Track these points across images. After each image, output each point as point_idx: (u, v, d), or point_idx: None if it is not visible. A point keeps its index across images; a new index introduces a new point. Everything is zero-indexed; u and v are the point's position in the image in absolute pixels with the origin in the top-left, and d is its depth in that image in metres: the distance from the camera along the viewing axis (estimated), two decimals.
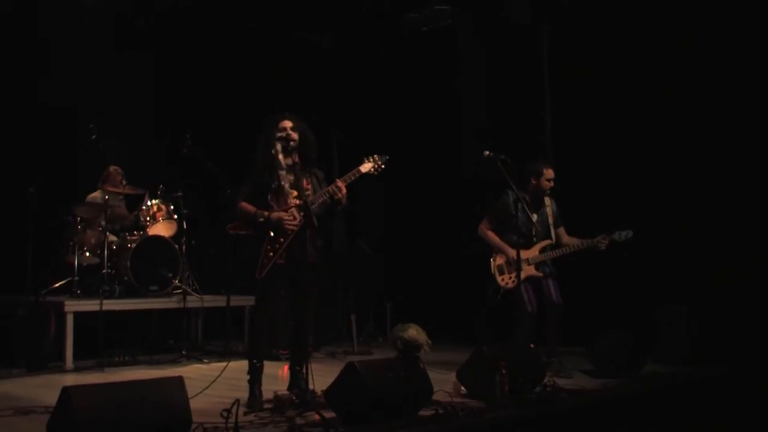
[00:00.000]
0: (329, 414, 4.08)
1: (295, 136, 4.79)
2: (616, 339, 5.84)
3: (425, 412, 4.26)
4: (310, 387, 4.45)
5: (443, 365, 5.84)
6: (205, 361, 6.70)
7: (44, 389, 5.19)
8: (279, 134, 4.78)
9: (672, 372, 5.87)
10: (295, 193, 4.74)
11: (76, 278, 6.81)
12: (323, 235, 4.93)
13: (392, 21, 8.63)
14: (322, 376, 4.64)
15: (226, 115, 8.23)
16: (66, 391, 3.36)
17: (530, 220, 5.96)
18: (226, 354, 6.50)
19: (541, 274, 5.99)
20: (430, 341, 6.79)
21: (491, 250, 6.14)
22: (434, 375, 4.63)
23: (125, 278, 6.94)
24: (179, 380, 3.68)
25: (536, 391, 4.86)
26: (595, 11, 7.52)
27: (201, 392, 4.62)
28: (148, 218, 7.30)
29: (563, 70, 7.85)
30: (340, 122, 9.68)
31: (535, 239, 6.05)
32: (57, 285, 6.83)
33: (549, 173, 6.06)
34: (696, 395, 5.42)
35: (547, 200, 6.16)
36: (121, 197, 7.49)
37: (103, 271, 6.84)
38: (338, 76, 9.54)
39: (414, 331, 6.68)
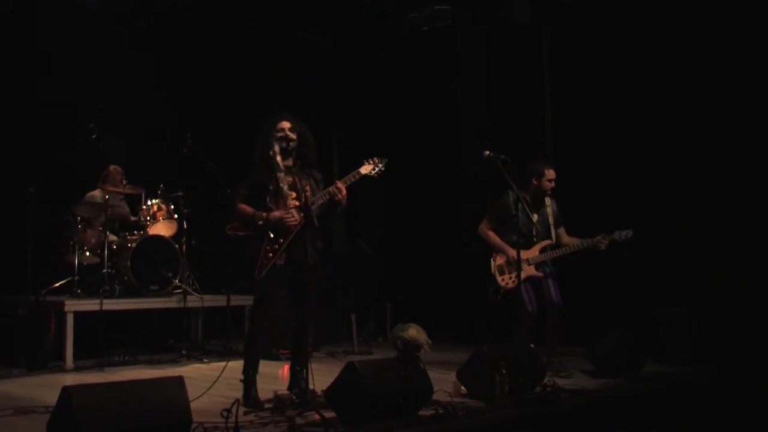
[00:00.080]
0: (329, 414, 4.08)
1: (293, 136, 4.77)
2: (616, 339, 5.85)
3: (425, 412, 4.26)
4: (310, 387, 4.45)
5: (443, 365, 5.84)
6: (205, 360, 6.71)
7: (44, 389, 5.19)
8: (277, 135, 4.76)
9: (672, 372, 5.87)
10: (294, 194, 4.74)
11: (76, 278, 6.81)
12: (322, 236, 4.93)
13: (392, 21, 8.63)
14: (322, 376, 4.63)
15: (227, 115, 8.23)
16: (66, 391, 3.36)
17: (531, 220, 5.96)
18: (226, 354, 6.49)
19: (541, 274, 5.99)
20: (430, 341, 6.78)
21: (491, 250, 6.14)
22: (434, 375, 4.63)
23: (125, 278, 6.94)
24: (179, 380, 3.67)
25: (536, 391, 4.86)
26: (595, 11, 7.52)
27: (203, 394, 4.61)
28: (148, 218, 7.30)
29: (563, 70, 7.85)
30: (340, 122, 9.69)
31: (535, 239, 6.05)
32: (57, 284, 6.83)
33: (550, 174, 6.06)
34: (696, 395, 5.42)
35: (548, 200, 6.16)
36: (121, 197, 7.50)
37: (104, 270, 6.84)
38: (338, 76, 9.54)
39: (414, 331, 6.68)
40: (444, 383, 4.90)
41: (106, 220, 7.01)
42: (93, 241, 7.03)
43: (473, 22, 8.49)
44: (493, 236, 6.12)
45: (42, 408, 4.38)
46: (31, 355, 6.18)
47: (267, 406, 4.50)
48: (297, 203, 4.72)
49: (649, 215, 6.82)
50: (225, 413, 3.65)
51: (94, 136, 6.96)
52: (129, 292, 7.01)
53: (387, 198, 9.23)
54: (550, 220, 6.12)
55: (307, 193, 4.71)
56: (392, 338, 6.84)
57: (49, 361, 6.26)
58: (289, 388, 4.78)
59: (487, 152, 5.57)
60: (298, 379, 4.75)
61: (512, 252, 5.85)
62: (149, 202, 7.35)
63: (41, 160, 7.18)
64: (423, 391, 4.35)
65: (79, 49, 7.46)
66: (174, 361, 6.72)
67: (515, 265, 5.67)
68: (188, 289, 7.13)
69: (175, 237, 7.32)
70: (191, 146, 6.33)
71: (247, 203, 4.72)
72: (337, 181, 4.75)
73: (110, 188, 7.26)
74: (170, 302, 7.04)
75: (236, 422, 3.67)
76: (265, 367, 4.91)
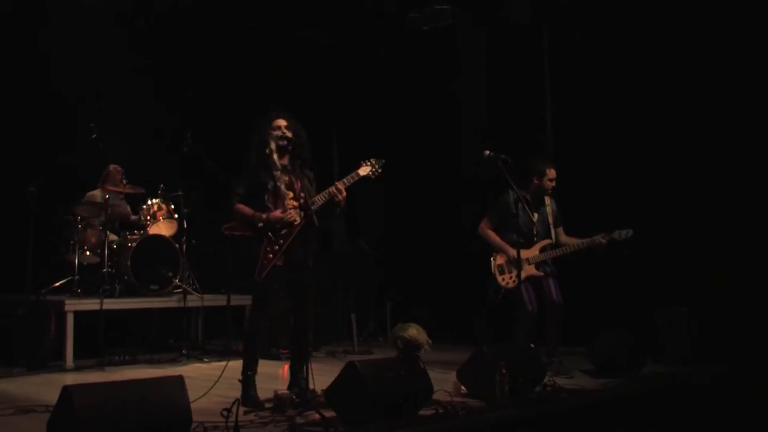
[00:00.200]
0: (329, 413, 4.08)
1: (290, 134, 4.76)
2: (616, 339, 5.84)
3: (425, 412, 4.26)
4: (311, 386, 4.45)
5: (443, 365, 5.84)
6: (205, 360, 6.71)
7: (44, 388, 5.19)
8: (274, 133, 4.74)
9: (672, 372, 5.87)
10: (291, 194, 4.73)
11: (77, 277, 6.81)
12: (319, 237, 4.92)
13: (392, 21, 8.63)
14: (322, 376, 4.63)
15: (227, 115, 8.23)
16: (66, 390, 3.36)
17: (531, 219, 5.96)
18: (226, 353, 6.49)
19: (541, 274, 5.99)
20: (430, 341, 6.78)
21: (491, 250, 6.13)
22: (434, 374, 4.63)
23: (125, 277, 6.95)
24: (179, 379, 3.67)
25: (536, 390, 4.86)
26: (595, 11, 7.52)
27: (205, 394, 4.61)
28: (148, 217, 7.31)
29: (563, 69, 7.85)
30: (340, 122, 9.69)
31: (536, 238, 6.05)
32: (57, 284, 6.83)
33: (551, 173, 6.06)
34: (696, 395, 5.42)
35: (548, 199, 6.16)
36: (121, 196, 7.50)
37: (104, 270, 6.84)
38: (338, 76, 9.54)
39: (414, 331, 6.68)
40: (444, 383, 4.90)
41: (106, 219, 7.01)
42: (93, 240, 7.03)
43: (473, 22, 8.49)
44: (493, 236, 6.12)
45: (42, 407, 4.38)
46: (31, 354, 6.18)
47: (267, 405, 4.50)
48: (294, 203, 4.71)
49: (649, 215, 6.82)
50: (225, 413, 3.65)
51: (94, 136, 6.96)
52: (129, 292, 7.01)
53: (387, 198, 9.24)
54: (550, 220, 6.13)
55: (302, 193, 4.71)
56: (392, 338, 6.84)
57: (49, 360, 6.26)
58: (290, 387, 4.78)
59: (488, 152, 5.58)
60: (298, 378, 4.75)
61: (512, 251, 5.85)
62: (149, 202, 7.35)
63: (41, 159, 7.18)
64: (423, 390, 4.35)
65: (79, 49, 7.46)
66: (174, 361, 6.72)
67: (515, 264, 5.67)
68: (188, 289, 7.13)
69: (176, 237, 7.32)
70: (191, 146, 6.35)
71: (244, 203, 4.70)
72: (337, 182, 4.75)
73: (110, 188, 7.27)
74: (170, 302, 7.04)
75: (236, 422, 3.67)
76: (265, 366, 4.91)
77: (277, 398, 4.63)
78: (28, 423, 4.23)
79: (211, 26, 8.42)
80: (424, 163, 8.76)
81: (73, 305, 6.39)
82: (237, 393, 4.49)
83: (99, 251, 6.97)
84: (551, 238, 6.09)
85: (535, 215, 6.04)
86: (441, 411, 4.24)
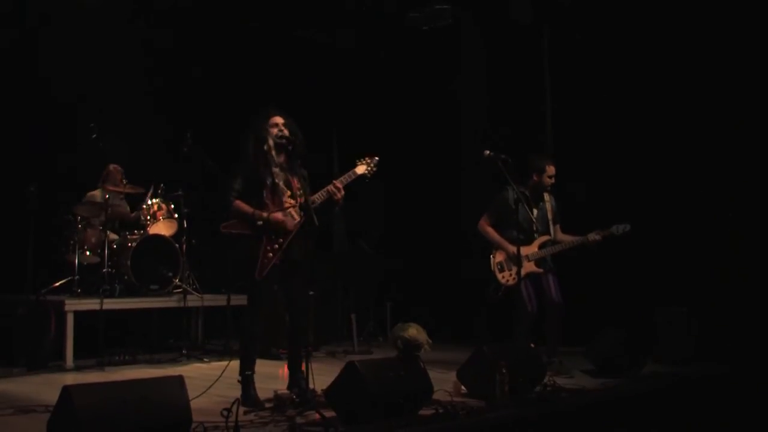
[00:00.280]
0: (329, 413, 4.08)
1: (287, 132, 4.76)
2: (616, 338, 5.85)
3: (425, 412, 4.26)
4: (311, 386, 4.45)
5: (443, 365, 5.84)
6: (205, 360, 6.71)
7: (44, 388, 5.19)
8: (272, 130, 4.74)
9: (672, 372, 5.87)
10: (288, 192, 4.73)
11: (77, 277, 6.81)
12: (316, 236, 4.92)
13: (393, 20, 8.63)
14: (322, 376, 4.64)
15: (227, 115, 8.23)
16: (66, 390, 3.36)
17: (530, 215, 5.95)
18: (226, 353, 6.50)
19: (541, 270, 5.98)
20: (430, 341, 6.78)
21: (491, 247, 6.12)
22: (434, 374, 4.63)
23: (125, 277, 6.95)
24: (179, 379, 3.67)
25: (536, 390, 4.86)
26: (595, 10, 7.52)
27: (204, 392, 4.61)
28: (148, 217, 7.30)
29: (564, 69, 7.85)
30: (340, 122, 9.69)
31: (536, 235, 6.05)
32: (57, 284, 6.83)
33: (551, 170, 6.07)
34: (696, 395, 5.42)
35: (546, 196, 6.16)
36: (121, 196, 7.50)
37: (104, 270, 6.84)
38: (338, 76, 9.54)
39: (414, 331, 6.68)
40: (444, 383, 4.90)
41: (106, 219, 7.01)
42: (93, 240, 7.03)
43: (474, 22, 8.49)
44: (492, 233, 6.11)
45: (42, 407, 4.38)
46: (31, 354, 6.18)
47: (267, 405, 4.50)
48: (291, 201, 4.72)
49: (650, 215, 6.81)
50: (225, 413, 3.65)
51: (94, 136, 6.96)
52: (129, 292, 7.01)
53: (387, 198, 9.24)
54: (549, 216, 6.13)
55: (299, 191, 4.71)
56: (392, 338, 6.84)
57: (49, 360, 6.26)
58: (289, 387, 4.78)
59: (488, 152, 5.58)
60: (296, 378, 4.75)
61: (512, 248, 5.84)
62: (149, 202, 7.35)
63: (41, 159, 7.18)
64: (423, 390, 4.35)
65: (80, 49, 7.46)
66: (174, 361, 6.72)
67: (515, 261, 5.66)
68: (188, 289, 7.13)
69: (176, 236, 7.32)
70: (192, 145, 6.35)
71: (240, 198, 4.67)
72: (335, 181, 4.76)
73: (110, 188, 7.27)
74: (170, 302, 7.04)
75: (236, 421, 3.67)
76: (265, 366, 4.91)
77: (277, 398, 4.63)
78: (28, 423, 4.23)
79: (211, 26, 8.42)
80: (424, 163, 8.76)
81: (73, 305, 6.39)
82: (237, 393, 4.49)
83: (99, 251, 6.97)
84: (550, 234, 6.09)
85: (535, 211, 6.04)
86: (441, 411, 4.24)
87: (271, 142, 4.73)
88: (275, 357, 6.67)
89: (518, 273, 5.62)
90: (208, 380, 4.90)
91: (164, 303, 7.06)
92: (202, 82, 8.36)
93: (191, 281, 7.30)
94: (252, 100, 8.30)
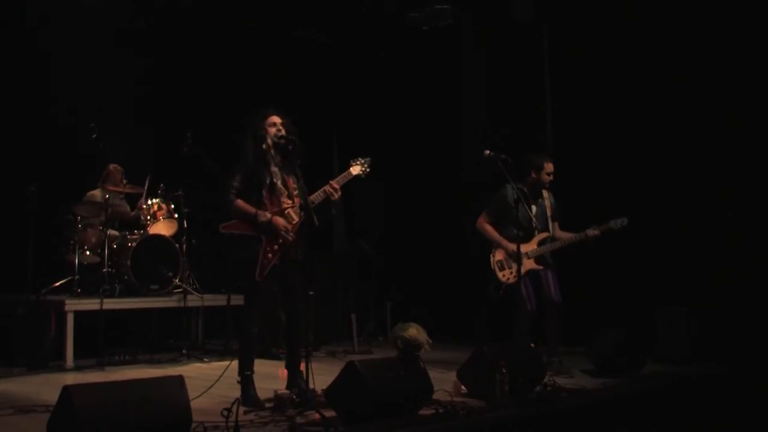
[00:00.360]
0: (330, 413, 4.08)
1: (284, 132, 4.76)
2: (616, 338, 5.84)
3: (425, 412, 4.26)
4: (311, 386, 4.45)
5: (443, 364, 5.84)
6: (205, 360, 6.71)
7: (45, 388, 5.20)
8: (270, 129, 4.74)
9: (672, 372, 5.87)
10: (286, 192, 4.74)
11: (77, 277, 6.81)
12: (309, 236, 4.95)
13: (393, 20, 8.63)
14: (322, 375, 4.64)
15: (227, 115, 8.22)
16: (67, 390, 3.36)
17: (530, 213, 5.95)
18: (226, 353, 6.50)
19: (541, 267, 5.97)
20: (430, 340, 6.78)
21: (491, 246, 6.11)
22: (434, 374, 4.64)
23: (126, 277, 6.95)
24: (179, 379, 3.68)
25: (536, 390, 4.86)
26: (595, 10, 7.51)
27: (204, 392, 4.61)
28: (148, 217, 7.31)
29: (564, 69, 7.85)
30: (340, 122, 9.69)
31: (536, 232, 6.04)
32: (57, 284, 6.83)
33: (549, 167, 6.07)
34: (696, 395, 5.42)
35: (545, 193, 6.17)
36: (121, 196, 7.51)
37: (104, 270, 6.84)
38: (338, 76, 9.54)
39: (414, 331, 6.68)
40: (444, 383, 4.90)
41: (106, 219, 7.02)
42: (93, 240, 7.03)
43: (474, 22, 8.48)
44: (491, 231, 6.10)
45: (42, 407, 4.39)
46: (31, 354, 6.18)
47: (267, 405, 4.50)
48: (289, 202, 4.73)
49: (650, 214, 6.82)
50: (225, 412, 3.65)
51: (94, 136, 6.96)
52: (129, 292, 7.01)
53: (387, 198, 9.23)
54: (548, 213, 6.13)
55: (296, 192, 4.73)
56: (392, 338, 6.84)
57: (49, 360, 6.27)
58: (288, 387, 4.77)
59: (488, 152, 5.58)
60: (294, 377, 4.75)
61: (511, 246, 5.84)
62: (149, 201, 7.35)
63: (41, 159, 7.18)
64: (423, 390, 4.35)
65: (80, 48, 7.46)
66: (174, 361, 6.72)
67: (515, 259, 5.66)
68: (188, 289, 7.14)
69: (176, 236, 7.32)
70: (192, 145, 6.35)
71: (240, 197, 4.67)
72: (332, 182, 4.78)
73: (110, 187, 7.27)
74: (170, 301, 7.04)
75: (236, 421, 3.67)
76: (265, 366, 4.91)
77: (278, 398, 4.63)
78: (28, 423, 4.23)
79: (211, 26, 8.42)
80: (424, 163, 8.75)
81: (73, 305, 6.39)
82: (237, 393, 4.49)
83: (99, 251, 6.97)
84: (549, 231, 6.09)
85: (533, 208, 6.04)
86: (441, 411, 4.24)
87: (270, 141, 4.73)
88: (275, 357, 6.66)
89: (518, 270, 5.61)
90: (208, 380, 4.90)
91: (164, 303, 7.06)
92: (202, 82, 8.36)
93: (191, 281, 7.30)
94: (252, 100, 8.27)
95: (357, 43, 9.30)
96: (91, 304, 6.47)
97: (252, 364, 4.71)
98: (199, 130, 6.49)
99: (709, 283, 6.57)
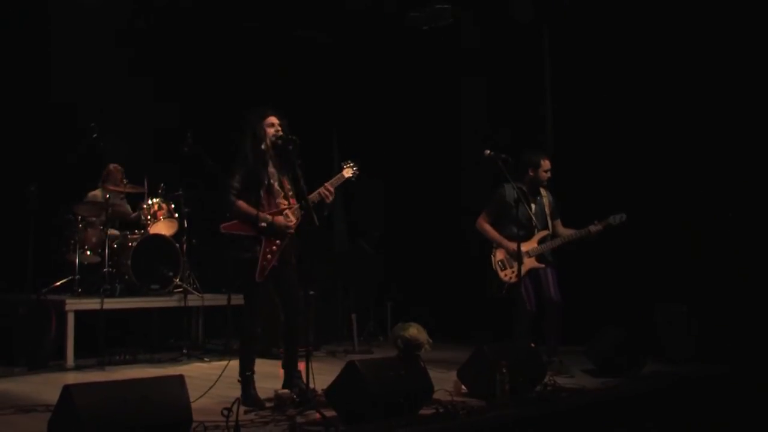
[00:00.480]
0: (330, 413, 4.09)
1: (281, 132, 4.77)
2: (616, 338, 5.85)
3: (426, 411, 4.26)
4: (311, 386, 4.45)
5: (444, 364, 5.84)
6: (205, 359, 6.72)
7: (45, 387, 5.20)
8: (268, 129, 4.75)
9: (672, 371, 5.87)
10: (282, 193, 4.75)
11: (77, 277, 6.81)
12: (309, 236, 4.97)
13: (393, 20, 8.63)
14: (322, 375, 4.64)
15: (227, 115, 8.21)
16: (67, 390, 3.37)
17: (529, 211, 5.95)
18: (226, 353, 6.51)
19: (542, 266, 5.96)
20: (430, 340, 6.78)
21: (491, 245, 6.11)
22: (435, 374, 4.64)
23: (126, 277, 6.95)
24: (180, 379, 3.68)
25: (536, 390, 4.87)
26: (596, 10, 7.52)
27: (205, 393, 4.62)
28: (149, 217, 7.31)
29: (564, 69, 7.85)
30: (340, 122, 9.69)
31: (535, 230, 6.04)
32: (58, 283, 6.83)
33: (546, 164, 6.06)
34: (696, 395, 5.42)
35: (543, 191, 6.16)
36: (122, 196, 7.51)
37: (104, 269, 6.85)
38: (338, 76, 9.54)
39: (415, 330, 6.67)
40: (444, 382, 4.91)
41: (106, 219, 7.02)
42: (94, 240, 7.04)
43: (474, 22, 8.48)
44: (491, 230, 6.09)
45: (43, 407, 4.39)
46: (31, 353, 6.19)
47: (268, 405, 4.50)
48: (285, 202, 4.75)
49: (650, 214, 6.82)
50: (225, 412, 3.65)
51: (94, 135, 6.97)
52: (130, 291, 7.02)
53: (387, 198, 9.23)
54: (547, 211, 6.12)
55: (291, 192, 4.75)
56: (393, 337, 6.84)
57: (49, 359, 6.27)
58: (285, 387, 4.77)
59: (488, 152, 5.59)
60: (292, 377, 4.76)
61: (511, 245, 5.84)
62: (150, 201, 7.36)
63: (42, 159, 7.18)
64: (423, 390, 4.36)
65: (80, 48, 7.46)
66: (174, 360, 6.73)
67: (516, 257, 5.66)
68: (189, 288, 7.14)
69: (176, 236, 7.33)
70: (191, 146, 6.35)
71: (239, 197, 4.68)
72: (326, 184, 4.82)
73: (111, 187, 7.28)
74: (171, 301, 7.05)
75: (237, 421, 3.68)
76: (265, 366, 4.91)
77: (278, 398, 4.63)
78: (28, 422, 4.23)
79: (211, 26, 8.42)
80: (424, 163, 8.75)
81: (73, 305, 6.40)
82: (237, 393, 4.50)
83: (99, 251, 6.97)
84: (548, 229, 6.09)
85: (532, 207, 6.04)
86: (441, 410, 4.25)
87: (268, 141, 4.74)
88: (275, 357, 6.65)
89: (518, 269, 5.61)
90: (209, 380, 4.91)
91: (165, 303, 7.06)
92: (202, 82, 8.36)
93: (192, 281, 7.30)
94: (252, 100, 8.27)
95: (357, 43, 9.30)
96: (91, 304, 6.48)
97: (253, 364, 4.72)
98: (199, 130, 6.50)
99: (709, 283, 6.57)
